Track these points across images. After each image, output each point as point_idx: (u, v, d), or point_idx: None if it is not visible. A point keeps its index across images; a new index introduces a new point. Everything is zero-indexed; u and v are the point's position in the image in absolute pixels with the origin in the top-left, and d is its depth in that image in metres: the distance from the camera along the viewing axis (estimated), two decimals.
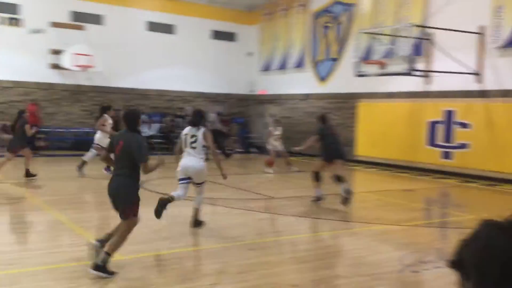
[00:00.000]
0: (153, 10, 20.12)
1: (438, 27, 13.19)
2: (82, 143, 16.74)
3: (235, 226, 7.51)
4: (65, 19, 18.36)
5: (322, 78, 18.70)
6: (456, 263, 1.52)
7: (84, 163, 12.00)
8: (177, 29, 20.70)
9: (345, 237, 7.19)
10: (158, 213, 6.57)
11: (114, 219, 5.47)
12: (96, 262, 4.87)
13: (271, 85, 21.18)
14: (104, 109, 12.24)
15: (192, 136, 6.74)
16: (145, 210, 8.19)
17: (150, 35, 20.06)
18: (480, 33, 13.08)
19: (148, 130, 19.05)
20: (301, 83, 19.53)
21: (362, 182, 14.21)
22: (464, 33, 12.86)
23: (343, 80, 17.31)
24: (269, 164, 14.01)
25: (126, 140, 5.11)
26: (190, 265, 5.67)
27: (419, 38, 13.83)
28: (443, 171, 13.95)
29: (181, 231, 6.86)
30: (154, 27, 20.18)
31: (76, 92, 18.87)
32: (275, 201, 9.77)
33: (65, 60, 17.78)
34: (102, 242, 5.09)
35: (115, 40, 19.06)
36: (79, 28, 18.45)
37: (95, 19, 18.98)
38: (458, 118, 13.76)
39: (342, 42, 17.82)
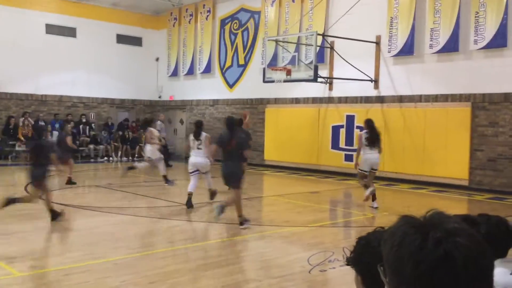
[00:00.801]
0: (52, 12, 19.05)
1: (339, 36, 13.88)
2: None
3: (144, 234, 7.32)
4: None
5: (231, 84, 18.86)
6: (353, 260, 1.58)
7: (133, 168, 12.73)
8: (79, 32, 19.80)
9: (255, 241, 7.28)
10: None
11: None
12: (239, 221, 7.49)
13: (179, 90, 20.97)
14: (148, 122, 12.86)
15: (198, 139, 9.38)
16: (47, 223, 7.71)
17: (49, 38, 18.98)
18: (377, 43, 13.98)
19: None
20: (210, 88, 19.54)
21: (271, 186, 14.52)
22: (362, 42, 13.66)
23: (251, 86, 17.59)
24: None
25: (237, 138, 7.53)
26: (97, 278, 5.40)
27: (321, 47, 14.45)
28: (346, 173, 14.66)
29: (87, 242, 6.55)
30: (53, 29, 19.13)
31: None
32: (186, 208, 9.66)
33: None
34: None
35: (9, 43, 17.82)
36: None
37: None
38: (358, 122, 14.54)
39: (249, 49, 18.11)
